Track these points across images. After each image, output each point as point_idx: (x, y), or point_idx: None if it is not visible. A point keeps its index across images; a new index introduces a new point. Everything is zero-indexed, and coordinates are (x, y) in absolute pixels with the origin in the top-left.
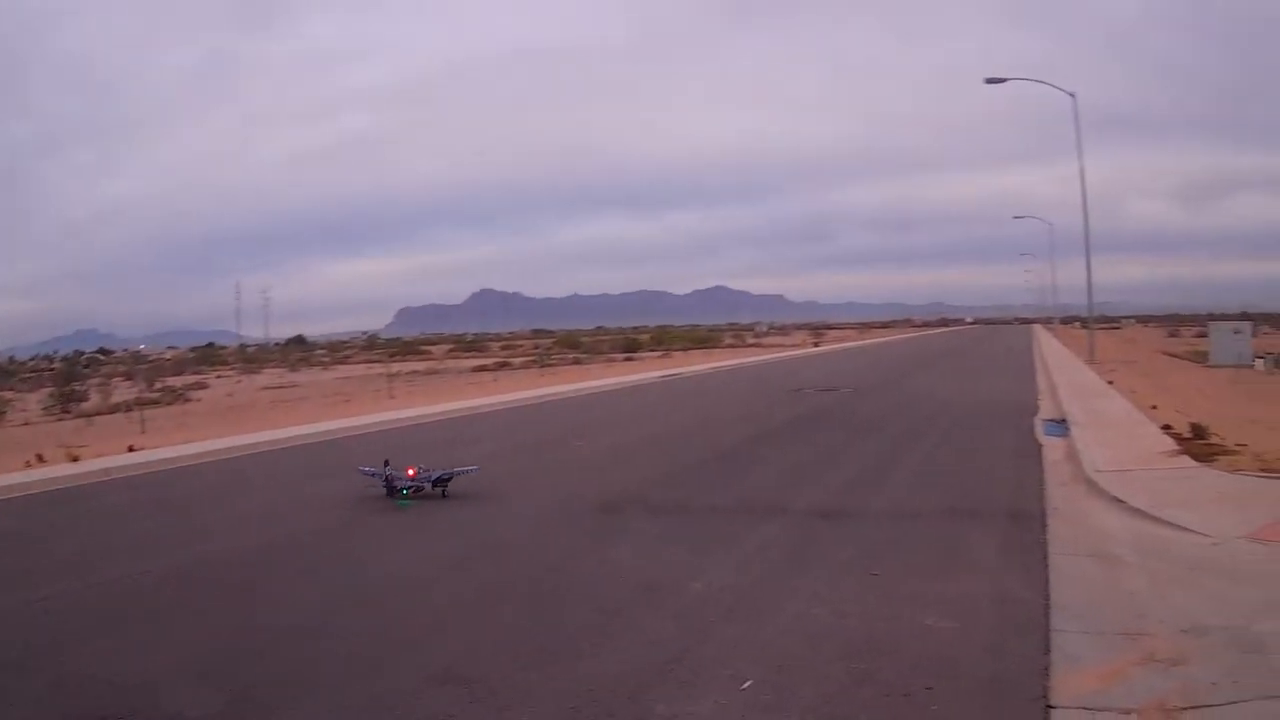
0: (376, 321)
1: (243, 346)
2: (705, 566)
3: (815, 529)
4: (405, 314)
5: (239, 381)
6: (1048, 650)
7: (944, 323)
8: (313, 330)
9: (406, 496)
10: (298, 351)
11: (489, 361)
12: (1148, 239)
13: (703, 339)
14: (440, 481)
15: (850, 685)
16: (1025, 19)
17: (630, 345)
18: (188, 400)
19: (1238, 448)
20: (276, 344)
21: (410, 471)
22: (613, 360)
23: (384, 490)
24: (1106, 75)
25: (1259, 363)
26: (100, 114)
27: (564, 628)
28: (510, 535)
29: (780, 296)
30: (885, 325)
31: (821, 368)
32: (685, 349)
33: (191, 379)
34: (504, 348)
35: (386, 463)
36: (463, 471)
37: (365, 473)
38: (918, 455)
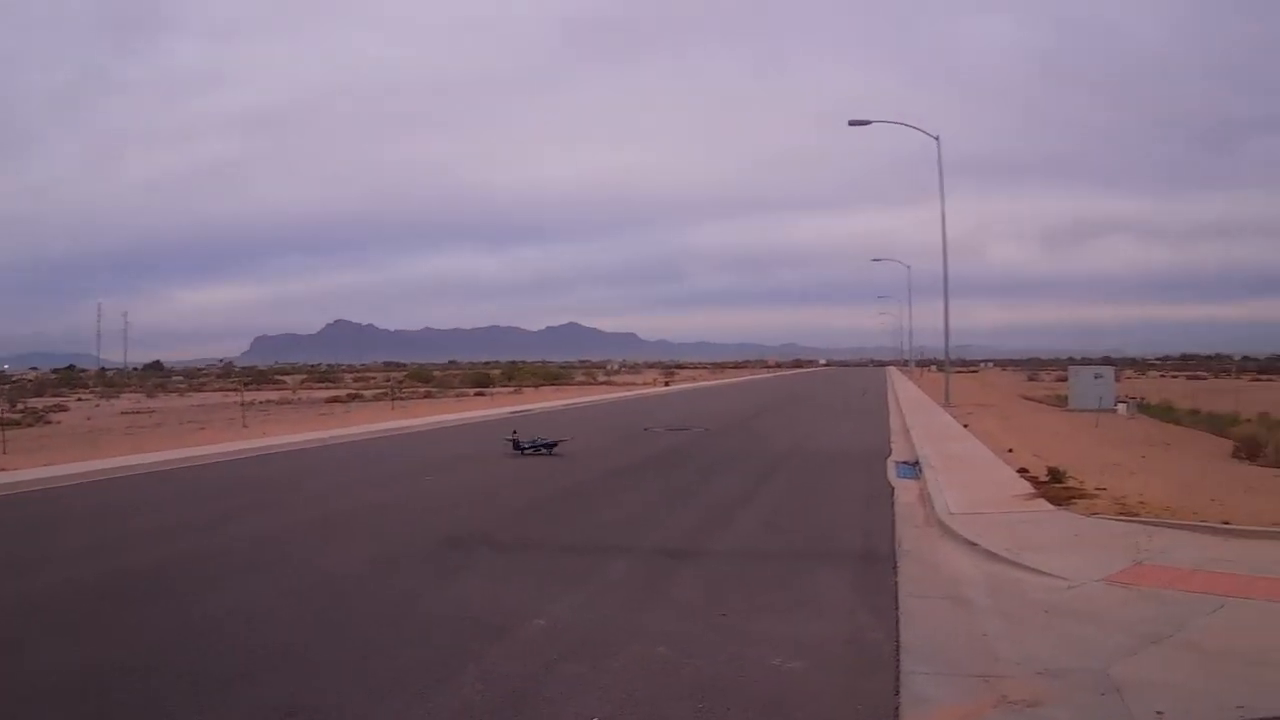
0: (233, 349)
1: (103, 370)
2: (551, 603)
3: (663, 568)
4: (261, 342)
5: (98, 405)
6: (898, 691)
7: (798, 364)
8: (171, 356)
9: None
10: (155, 377)
11: (342, 393)
12: (1008, 283)
13: (554, 375)
14: (547, 446)
15: None
16: (889, 62)
17: (482, 380)
18: (48, 422)
19: (1097, 491)
20: (135, 369)
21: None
22: (464, 395)
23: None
24: (970, 120)
25: (1121, 407)
26: None
27: (407, 663)
28: (352, 569)
29: (633, 335)
30: (738, 365)
31: (673, 407)
32: (537, 385)
33: (52, 401)
34: (357, 379)
35: (514, 431)
36: (562, 440)
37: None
38: (768, 496)
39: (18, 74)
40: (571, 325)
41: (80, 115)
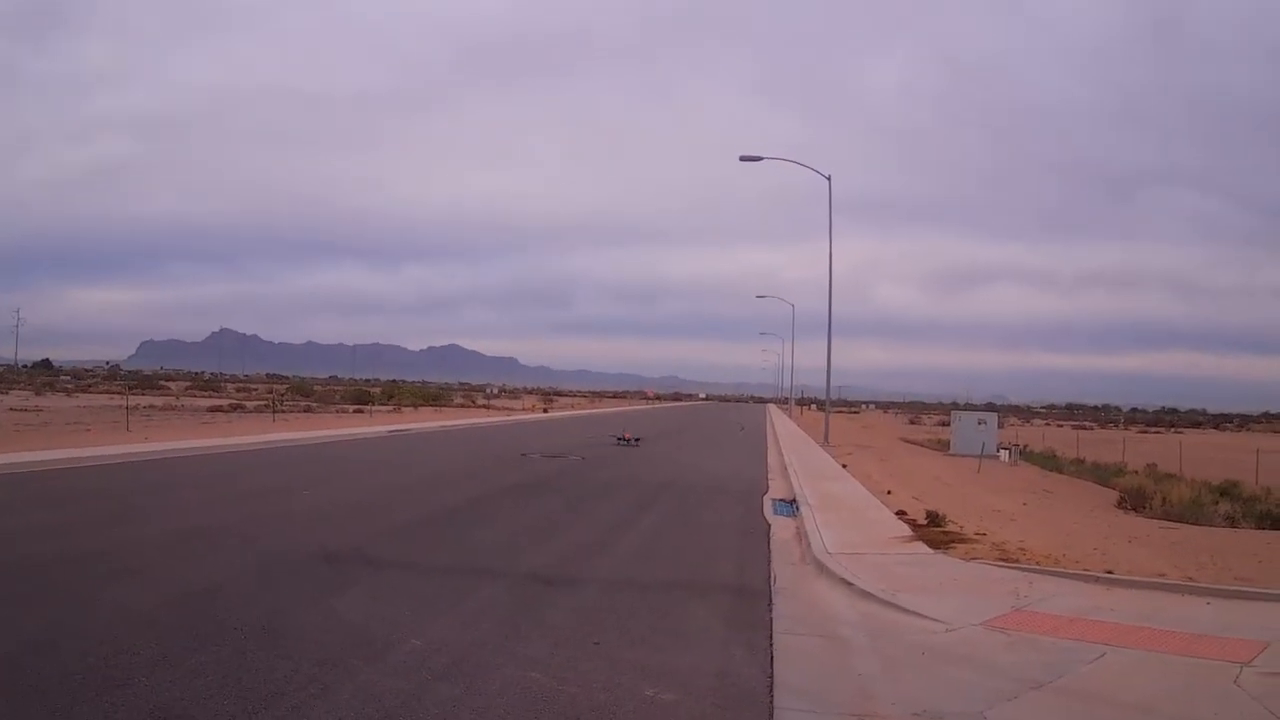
0: (120, 351)
1: None
2: (425, 624)
3: (538, 594)
4: (148, 347)
5: None
6: None
7: (677, 396)
8: (60, 355)
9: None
10: (44, 376)
11: (224, 403)
12: (894, 324)
13: (434, 396)
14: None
15: None
16: (783, 99)
17: (362, 397)
18: None
19: (976, 536)
20: (24, 366)
21: (626, 435)
22: (343, 411)
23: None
24: (861, 160)
25: (1003, 454)
26: None
27: (281, 677)
28: (226, 578)
29: (513, 359)
30: (617, 395)
31: (551, 433)
32: (416, 405)
33: None
34: (239, 389)
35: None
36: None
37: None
38: (644, 527)
39: None
40: (453, 347)
41: None
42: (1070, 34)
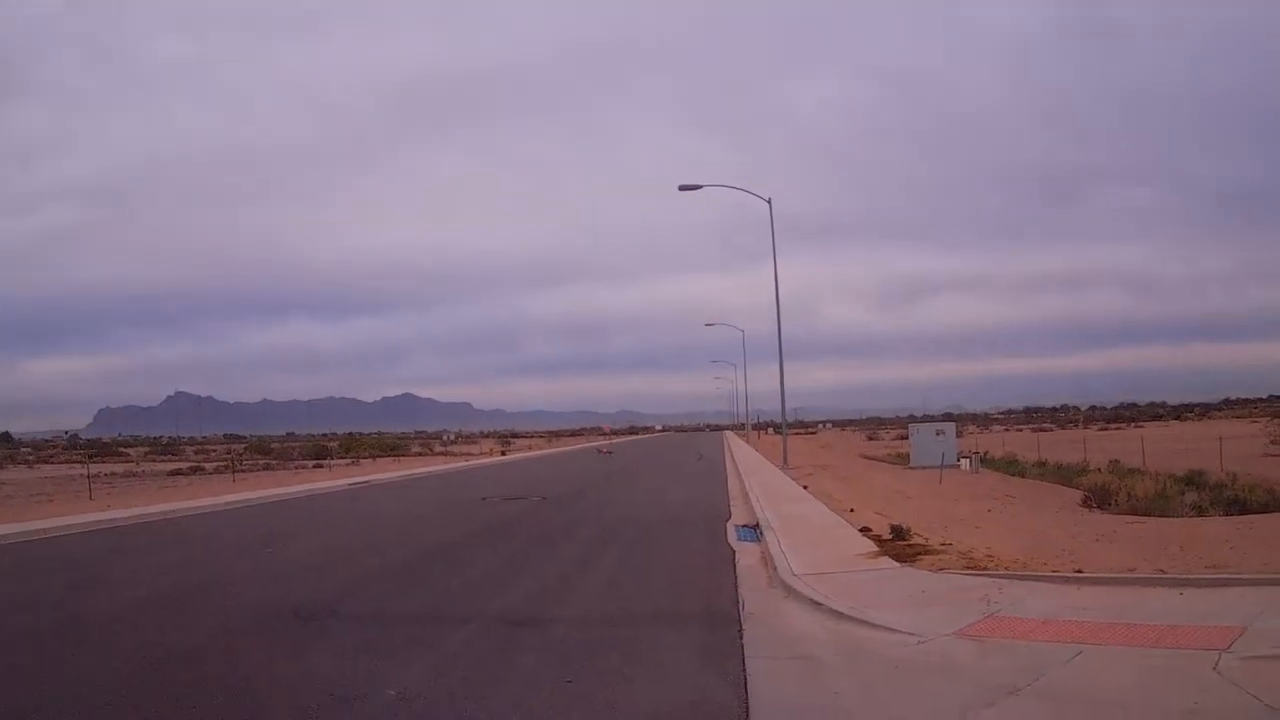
0: (78, 421)
1: None
2: (398, 673)
3: (508, 636)
4: (105, 414)
5: None
6: None
7: (633, 430)
8: (18, 427)
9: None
10: (3, 449)
11: (184, 466)
12: (845, 343)
13: (391, 446)
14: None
15: None
16: (714, 125)
17: (320, 452)
18: None
19: (942, 547)
20: None
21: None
22: (302, 467)
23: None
24: (799, 180)
25: (964, 463)
26: None
27: None
28: (199, 641)
29: (468, 404)
30: (574, 433)
31: (510, 476)
32: (374, 456)
33: None
34: (198, 452)
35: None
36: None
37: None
38: (608, 563)
39: None
40: (407, 396)
41: None
42: (994, 36)
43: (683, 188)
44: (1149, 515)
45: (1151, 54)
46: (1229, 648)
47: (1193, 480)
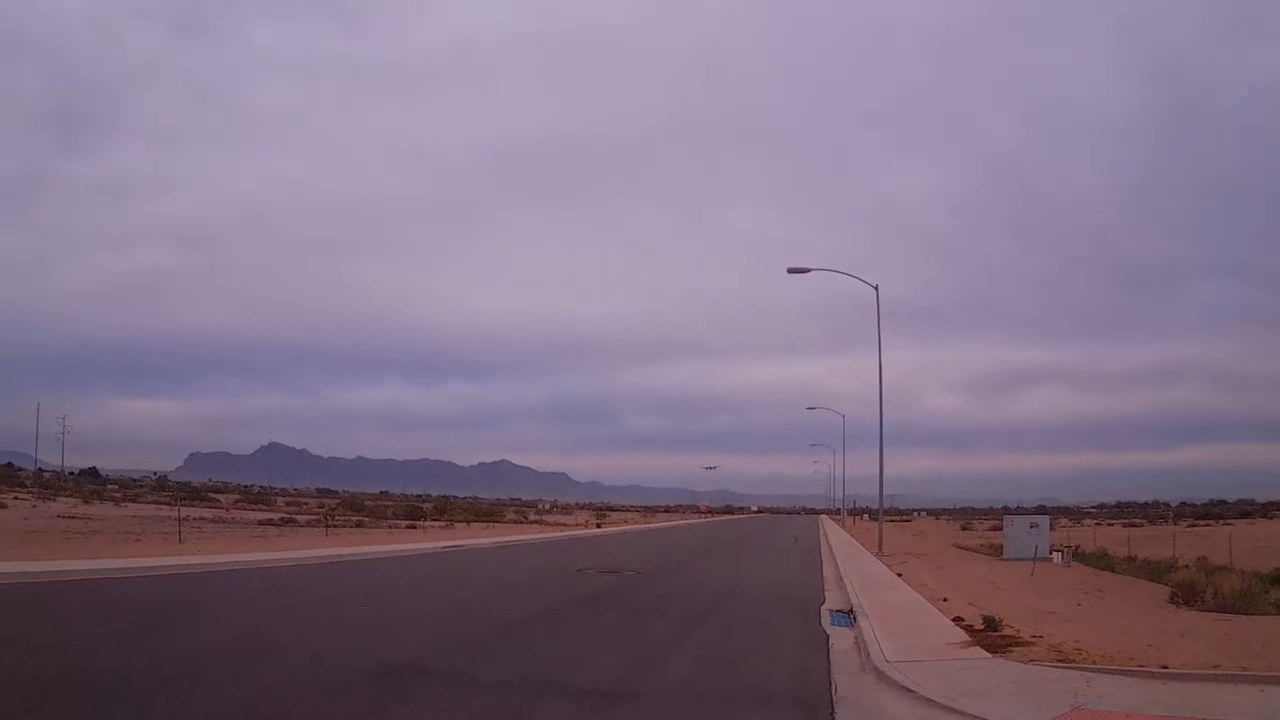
0: (168, 463)
1: (40, 471)
2: None
3: (600, 708)
4: (196, 458)
5: (34, 506)
6: None
7: (729, 510)
8: (106, 464)
9: None
10: (92, 484)
11: (275, 516)
12: (941, 431)
13: (485, 512)
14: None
15: None
16: (822, 206)
17: (414, 513)
18: None
19: (1033, 639)
20: (72, 473)
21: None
22: (395, 526)
23: None
24: (900, 267)
25: (1056, 556)
26: None
27: None
28: (281, 695)
29: (564, 474)
30: (670, 509)
31: (605, 548)
32: (468, 520)
33: None
34: (289, 503)
35: None
36: None
37: None
38: (702, 640)
39: None
40: (503, 463)
41: (22, 212)
42: (1092, 125)
43: (791, 270)
44: (1234, 612)
45: (1244, 147)
46: None
47: (1277, 579)
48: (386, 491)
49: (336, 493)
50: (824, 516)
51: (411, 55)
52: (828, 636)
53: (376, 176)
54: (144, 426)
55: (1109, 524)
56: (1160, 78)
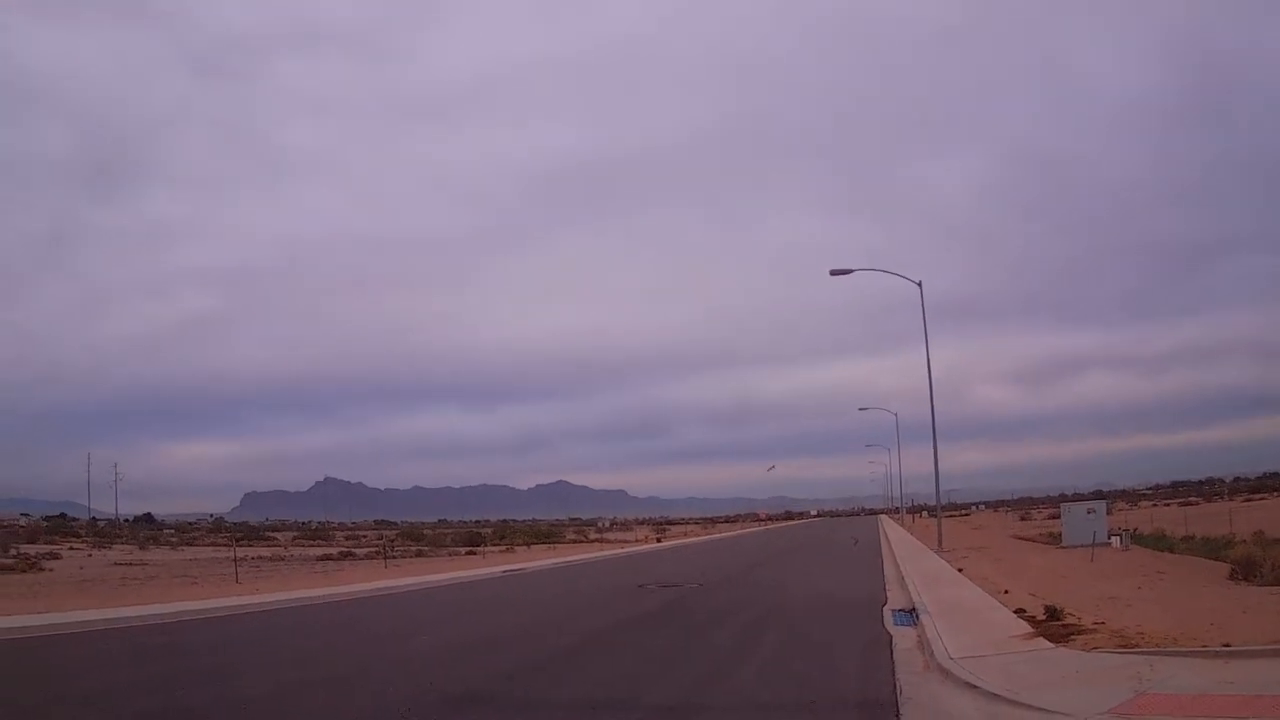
0: (223, 504)
1: (94, 520)
2: None
3: None
4: (251, 498)
5: (90, 555)
6: None
7: (788, 515)
8: (161, 509)
9: None
10: (147, 530)
11: (333, 551)
12: (994, 423)
13: (545, 534)
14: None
15: None
16: (860, 206)
17: (473, 539)
18: (41, 569)
19: (1095, 626)
20: (126, 520)
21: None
22: (455, 554)
23: None
24: (941, 260)
25: (1114, 540)
26: None
27: None
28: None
29: (622, 491)
30: (729, 519)
31: (666, 562)
32: (528, 544)
33: (45, 548)
34: (348, 537)
35: None
36: None
37: None
38: (765, 648)
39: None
40: (561, 483)
41: (63, 262)
42: (1129, 109)
43: (834, 272)
44: None
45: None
46: None
47: None
48: (445, 520)
49: (394, 524)
50: (883, 516)
51: (439, 84)
52: (891, 637)
53: (409, 208)
54: (197, 470)
55: (1165, 504)
56: (1190, 56)
